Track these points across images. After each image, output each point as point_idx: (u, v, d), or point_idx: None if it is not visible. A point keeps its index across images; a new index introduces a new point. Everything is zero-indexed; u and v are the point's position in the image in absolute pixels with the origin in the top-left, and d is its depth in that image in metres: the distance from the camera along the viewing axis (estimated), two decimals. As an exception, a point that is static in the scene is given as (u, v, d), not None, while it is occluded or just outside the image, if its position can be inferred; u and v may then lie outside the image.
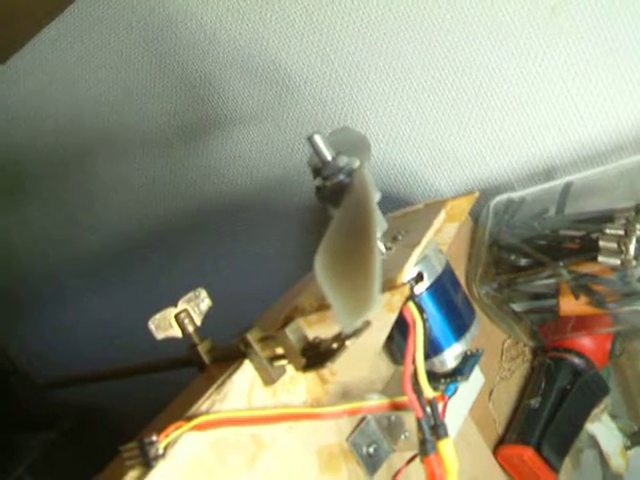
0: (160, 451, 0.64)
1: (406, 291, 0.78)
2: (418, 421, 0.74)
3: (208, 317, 0.83)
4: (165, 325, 0.79)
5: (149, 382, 1.25)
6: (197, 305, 0.81)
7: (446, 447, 0.75)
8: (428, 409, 0.75)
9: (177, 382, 0.83)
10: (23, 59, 1.70)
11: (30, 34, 1.63)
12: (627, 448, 1.24)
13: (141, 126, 1.64)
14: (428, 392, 0.75)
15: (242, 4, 1.33)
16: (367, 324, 0.69)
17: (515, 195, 1.16)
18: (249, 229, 1.66)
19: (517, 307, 1.11)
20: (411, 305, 0.75)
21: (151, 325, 0.79)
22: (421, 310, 0.75)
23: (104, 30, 1.54)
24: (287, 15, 1.30)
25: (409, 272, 0.82)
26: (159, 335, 0.79)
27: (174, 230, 1.80)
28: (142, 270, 1.98)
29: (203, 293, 0.82)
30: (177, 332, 0.80)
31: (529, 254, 1.05)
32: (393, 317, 0.76)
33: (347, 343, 0.68)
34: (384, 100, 1.29)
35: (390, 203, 1.01)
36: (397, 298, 0.77)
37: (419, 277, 0.83)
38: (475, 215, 1.16)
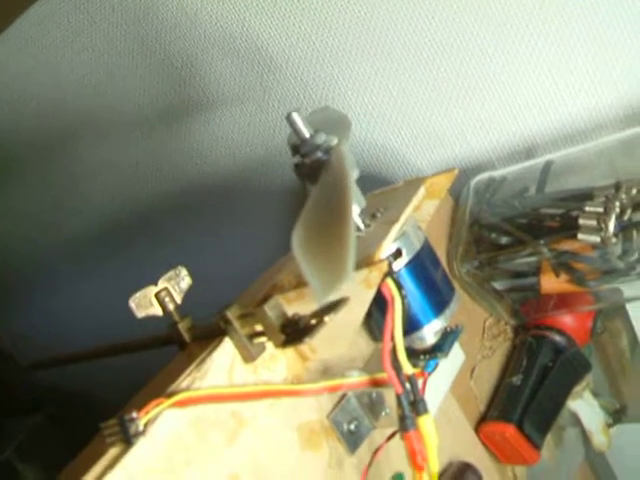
0: (140, 428, 0.64)
1: (384, 267, 0.78)
2: (397, 397, 0.75)
3: (189, 297, 0.83)
4: (146, 303, 0.80)
5: (135, 368, 1.25)
6: (177, 283, 0.82)
7: (426, 423, 0.75)
8: (408, 385, 0.75)
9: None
10: (5, 42, 1.69)
11: (12, 17, 1.63)
12: (609, 426, 1.26)
13: (124, 108, 1.63)
14: (407, 368, 0.75)
15: (223, -16, 1.34)
16: (345, 300, 0.70)
17: (496, 174, 1.16)
18: (231, 210, 1.66)
19: (498, 285, 1.11)
20: (389, 281, 0.76)
21: (132, 303, 0.79)
22: (399, 286, 0.76)
23: (86, 13, 1.53)
24: (268, -5, 1.30)
25: (387, 248, 0.82)
26: (140, 313, 0.80)
27: (157, 211, 1.80)
28: (125, 251, 1.98)
29: (183, 271, 0.82)
30: (157, 310, 0.81)
31: (510, 232, 1.06)
32: (371, 293, 0.76)
33: (325, 319, 0.68)
34: (366, 80, 1.29)
35: (371, 182, 1.01)
36: (375, 274, 0.77)
37: (398, 253, 0.83)
38: (456, 194, 1.17)
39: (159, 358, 0.91)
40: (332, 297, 0.62)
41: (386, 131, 1.32)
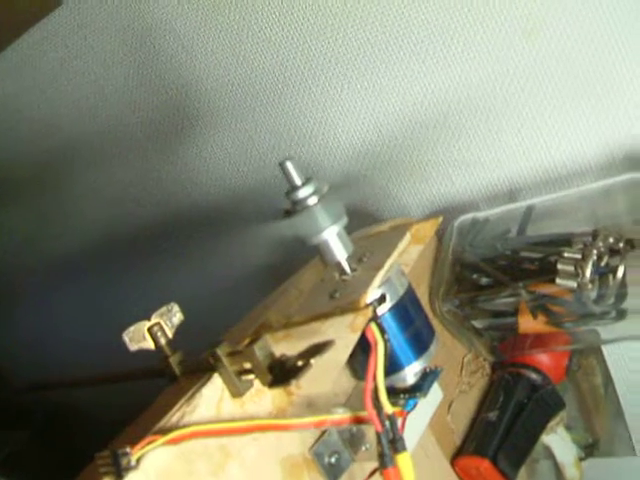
0: (132, 463, 0.66)
1: (369, 313, 0.80)
2: (378, 435, 0.77)
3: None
4: (139, 337, 0.81)
5: (123, 386, 1.27)
6: (169, 319, 0.83)
7: (404, 461, 0.78)
8: (388, 424, 0.78)
9: (151, 388, 0.86)
10: (2, 63, 1.71)
11: (11, 38, 1.65)
12: (581, 459, 1.28)
13: (117, 134, 1.65)
14: (388, 408, 0.77)
15: (219, 19, 1.36)
16: (330, 343, 0.73)
17: (479, 215, 1.19)
18: (220, 238, 1.67)
19: (478, 324, 1.13)
20: (373, 326, 0.78)
21: (125, 337, 0.81)
22: (383, 331, 0.78)
23: (84, 38, 1.55)
24: (263, 31, 1.32)
25: (372, 294, 0.85)
26: (132, 347, 0.81)
27: (145, 238, 1.82)
28: (111, 272, 1.98)
29: (175, 307, 0.84)
30: (150, 344, 0.82)
31: (490, 274, 1.09)
32: (356, 337, 0.78)
33: (311, 361, 0.70)
34: (355, 116, 1.32)
35: (357, 217, 1.03)
36: (360, 319, 0.79)
37: (382, 299, 0.86)
38: (440, 233, 1.19)
39: (142, 383, 0.93)
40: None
41: (373, 167, 1.35)
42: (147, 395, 0.84)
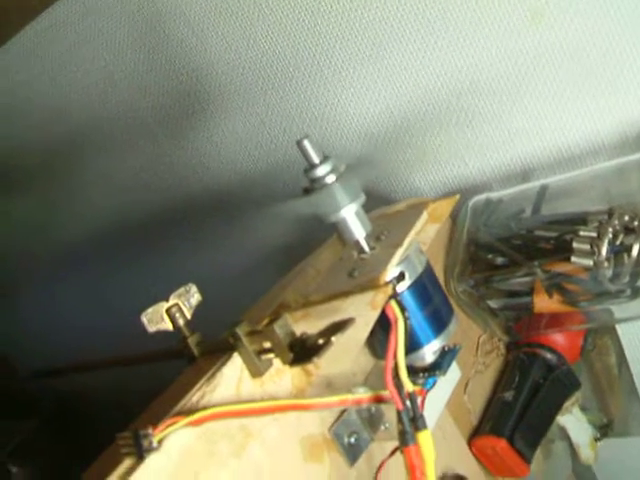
0: (154, 444, 0.65)
1: (389, 290, 0.81)
2: (398, 413, 0.77)
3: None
4: (157, 319, 0.81)
5: (132, 374, 1.27)
6: (187, 300, 0.83)
7: (425, 438, 0.78)
8: (408, 402, 0.78)
9: (159, 372, 0.86)
10: (11, 50, 1.71)
11: (21, 26, 1.65)
12: (596, 440, 1.28)
13: (127, 120, 1.65)
14: (408, 386, 0.77)
15: (229, 2, 1.36)
16: (351, 321, 0.73)
17: (493, 195, 1.19)
18: (232, 222, 1.67)
19: (493, 304, 1.13)
20: (393, 303, 0.78)
21: (143, 318, 0.80)
22: (403, 308, 0.78)
23: (93, 24, 1.55)
24: (275, 15, 1.32)
25: (392, 272, 0.85)
26: (151, 328, 0.81)
27: (157, 224, 1.82)
28: (120, 258, 1.99)
29: (193, 288, 0.84)
30: (168, 325, 0.82)
31: (505, 253, 1.08)
32: (376, 314, 0.78)
33: (332, 339, 0.71)
34: (367, 98, 1.32)
35: (370, 199, 1.03)
36: (380, 297, 0.80)
37: (401, 276, 0.86)
38: (454, 214, 1.19)
39: (151, 367, 0.93)
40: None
41: (386, 149, 1.34)
42: (154, 379, 0.84)
